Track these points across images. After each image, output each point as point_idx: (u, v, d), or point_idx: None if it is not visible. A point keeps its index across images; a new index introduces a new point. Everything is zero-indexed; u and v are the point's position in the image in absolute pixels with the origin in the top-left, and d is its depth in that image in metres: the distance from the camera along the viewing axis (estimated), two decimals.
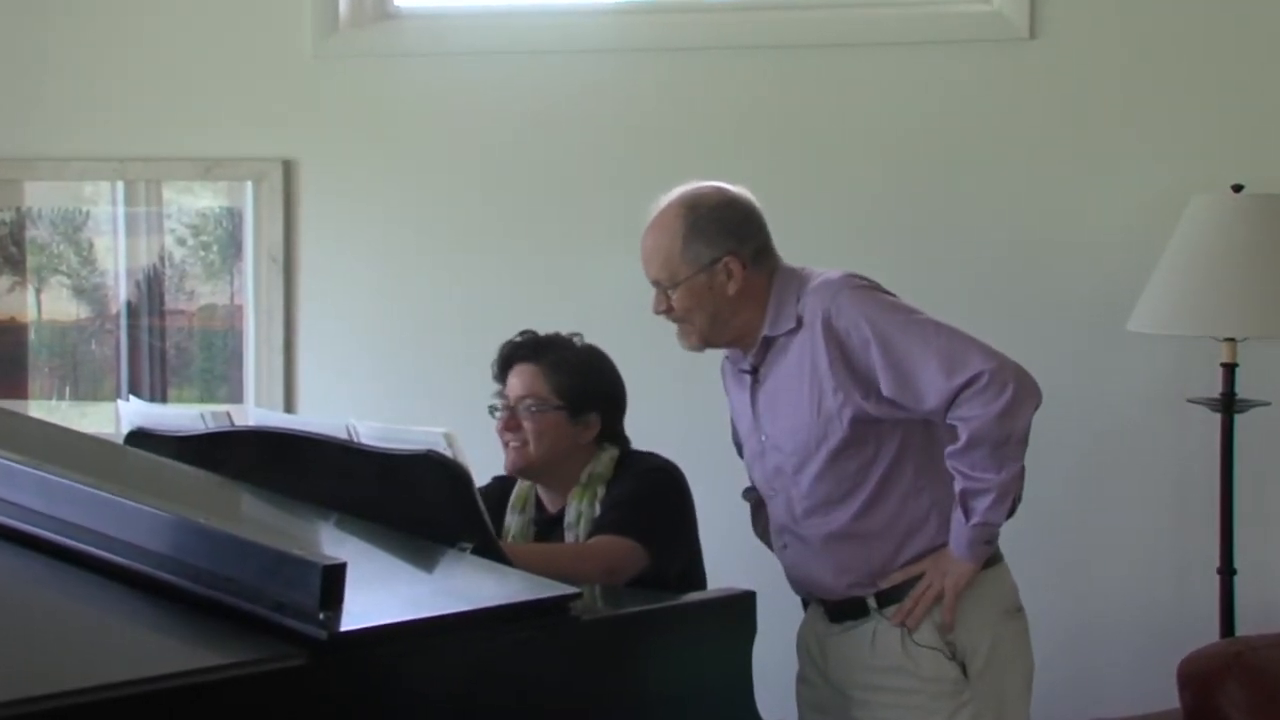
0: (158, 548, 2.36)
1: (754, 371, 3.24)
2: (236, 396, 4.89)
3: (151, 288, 4.94)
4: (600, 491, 3.40)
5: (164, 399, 4.94)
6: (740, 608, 2.88)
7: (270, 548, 2.26)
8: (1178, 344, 4.24)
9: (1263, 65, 4.33)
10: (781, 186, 4.32)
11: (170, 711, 2.01)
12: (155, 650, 2.22)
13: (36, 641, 2.23)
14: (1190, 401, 4.16)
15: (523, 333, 3.53)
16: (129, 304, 4.96)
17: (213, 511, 2.60)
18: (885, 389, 3.06)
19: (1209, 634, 4.04)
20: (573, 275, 4.64)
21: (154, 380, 4.95)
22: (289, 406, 4.83)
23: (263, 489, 2.99)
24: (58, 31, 4.94)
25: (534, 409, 3.40)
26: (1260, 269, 3.96)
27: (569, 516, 3.39)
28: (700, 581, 3.39)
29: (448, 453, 2.85)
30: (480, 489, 3.00)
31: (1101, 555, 4.43)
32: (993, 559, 3.18)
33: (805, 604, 3.36)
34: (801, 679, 3.36)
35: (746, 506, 3.46)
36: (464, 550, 2.79)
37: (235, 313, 4.90)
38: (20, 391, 5.02)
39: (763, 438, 3.24)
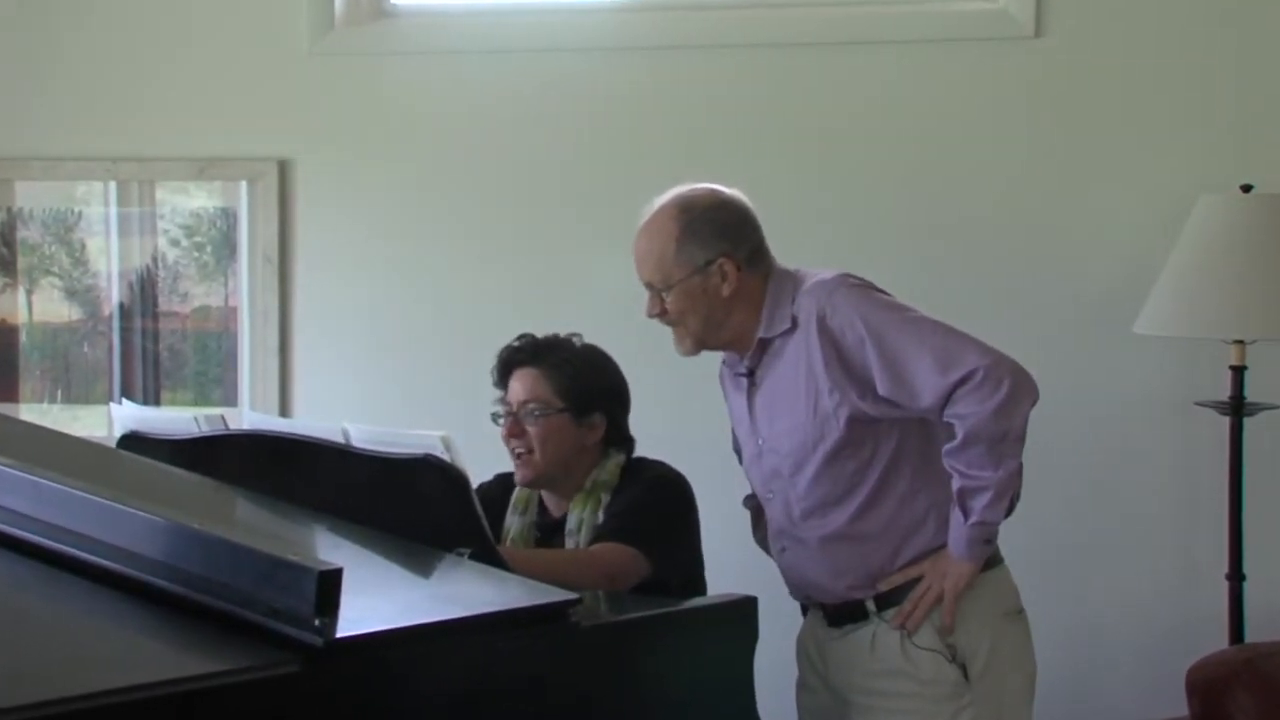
0: (151, 553, 2.34)
1: (750, 374, 3.23)
2: (231, 399, 4.88)
3: (145, 289, 4.92)
4: (604, 498, 3.38)
5: (157, 402, 4.93)
6: (742, 613, 2.87)
7: (265, 553, 2.24)
8: (1185, 346, 4.22)
9: (1271, 63, 4.32)
10: (784, 186, 4.34)
11: (164, 719, 1.99)
12: (148, 657, 2.21)
13: (27, 648, 2.20)
14: (1198, 405, 4.14)
15: (521, 336, 3.50)
16: (122, 306, 4.94)
17: (207, 516, 2.59)
18: (881, 387, 3.05)
19: (1218, 640, 4.03)
20: (571, 275, 4.63)
21: (147, 383, 4.94)
22: (284, 410, 4.81)
23: (257, 493, 2.97)
24: (49, 30, 4.92)
25: (537, 413, 3.37)
26: (1269, 270, 3.94)
27: (570, 523, 3.37)
28: (701, 593, 3.36)
29: (445, 456, 2.83)
30: (482, 486, 2.98)
31: (1108, 560, 4.42)
32: (993, 560, 3.17)
33: (804, 610, 3.35)
34: (802, 685, 3.35)
35: (746, 511, 3.44)
36: (461, 555, 2.77)
37: (229, 314, 4.89)
38: (11, 395, 5.01)
39: (760, 440, 3.24)
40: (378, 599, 2.42)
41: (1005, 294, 4.41)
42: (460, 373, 4.56)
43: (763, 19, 4.58)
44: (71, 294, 4.97)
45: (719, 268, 3.13)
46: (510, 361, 3.45)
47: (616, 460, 3.43)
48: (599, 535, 3.29)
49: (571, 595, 2.47)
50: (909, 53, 4.49)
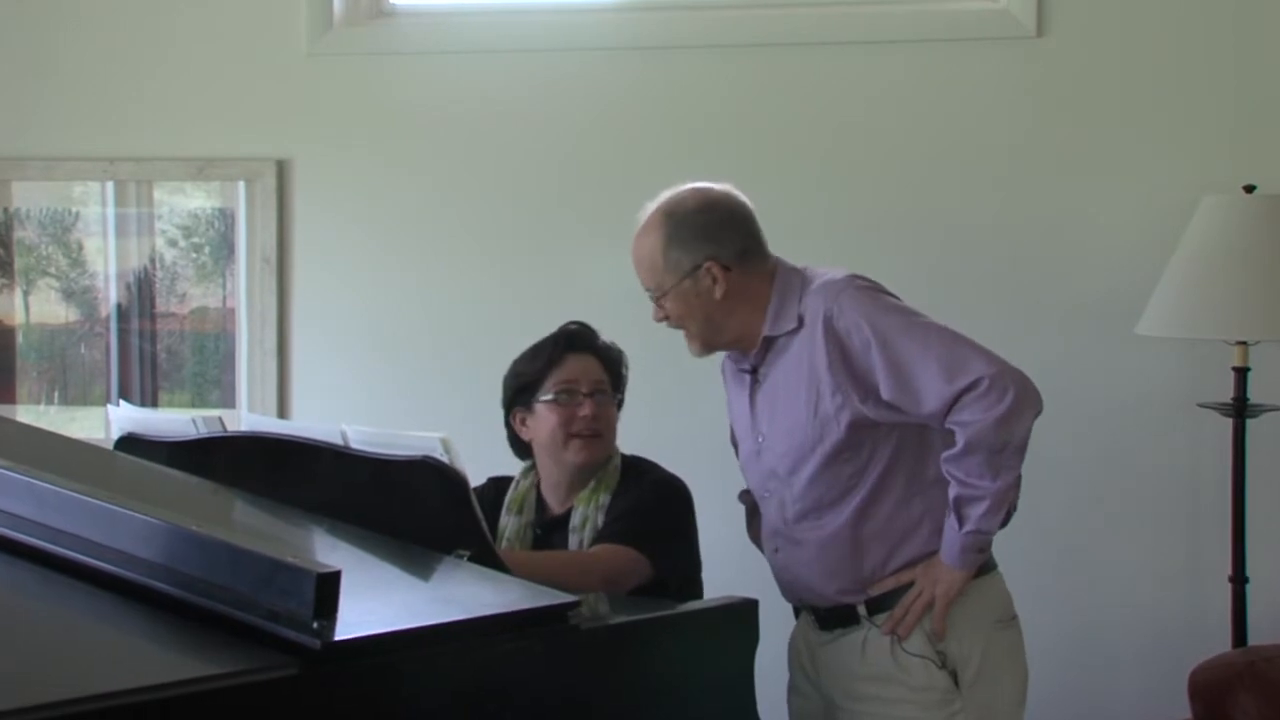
0: (149, 555, 2.34)
1: (754, 371, 3.22)
2: (229, 401, 4.87)
3: (142, 290, 4.91)
4: (604, 498, 3.36)
5: (155, 403, 4.92)
6: (743, 616, 2.85)
7: (264, 555, 2.23)
8: (1188, 348, 4.21)
9: (1274, 64, 4.32)
10: (785, 186, 4.34)
11: None
12: (146, 660, 2.20)
13: (25, 651, 2.20)
14: (1201, 406, 4.13)
15: (573, 322, 3.49)
16: (119, 306, 4.93)
17: (205, 518, 2.58)
18: (885, 392, 3.03)
19: (1220, 643, 4.02)
20: (569, 276, 4.62)
21: (144, 384, 4.93)
22: (282, 411, 4.81)
23: (255, 495, 2.96)
24: (47, 30, 4.92)
25: (606, 397, 3.40)
26: (1273, 271, 3.94)
27: (575, 520, 3.36)
28: (698, 596, 3.34)
29: (444, 458, 2.82)
30: (476, 489, 2.96)
31: (1111, 563, 4.41)
32: (985, 567, 3.15)
33: (796, 613, 3.33)
34: (793, 689, 3.34)
35: (741, 511, 3.43)
36: (461, 557, 2.75)
37: (227, 315, 4.88)
38: (8, 396, 5.00)
39: (759, 438, 3.22)
40: (376, 601, 2.41)
41: (1007, 295, 4.40)
42: (459, 374, 4.57)
43: (763, 19, 4.57)
44: (69, 295, 4.96)
45: (706, 271, 3.12)
46: (573, 341, 3.44)
47: (615, 460, 3.43)
48: (601, 537, 3.28)
49: (571, 598, 2.46)
50: (910, 52, 4.48)
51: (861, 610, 3.15)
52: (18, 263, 4.97)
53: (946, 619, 3.08)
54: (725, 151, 4.48)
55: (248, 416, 3.87)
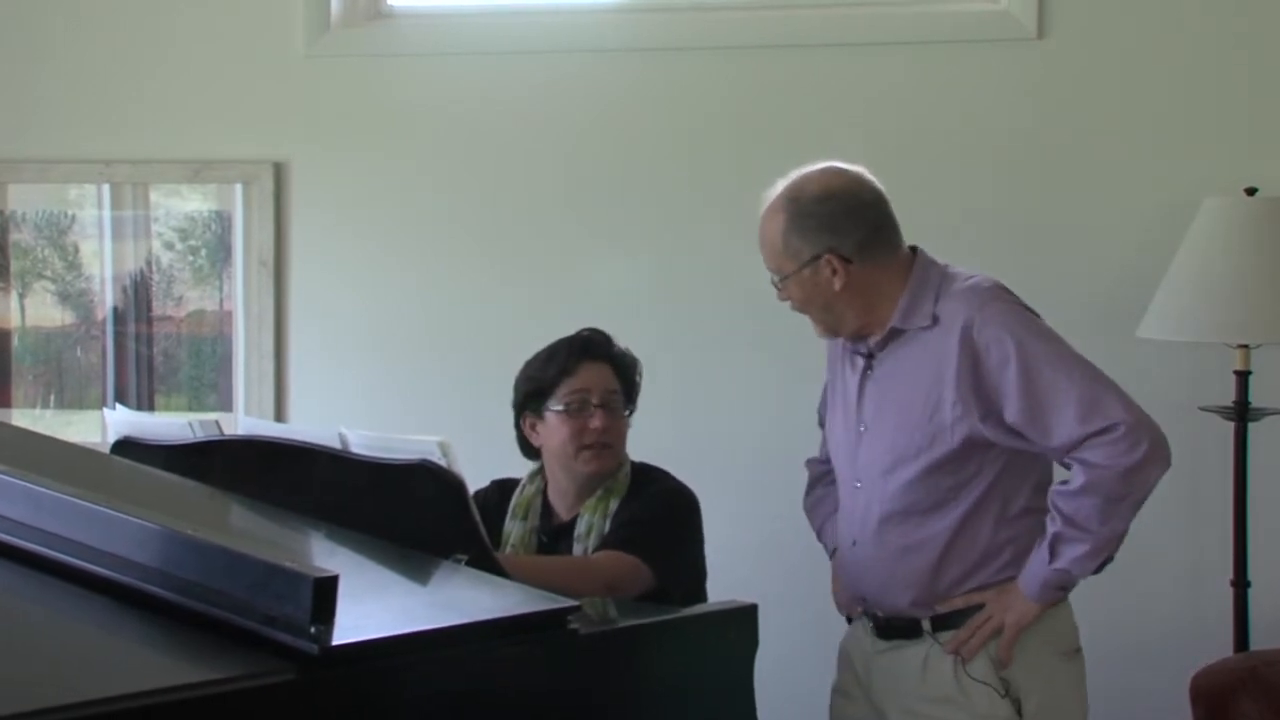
0: (145, 560, 2.33)
1: (869, 357, 3.14)
2: (225, 404, 4.86)
3: (138, 293, 4.90)
4: (613, 505, 3.34)
5: (151, 407, 4.91)
6: (742, 621, 2.82)
7: (260, 560, 2.22)
8: (1189, 351, 4.20)
9: (1277, 65, 4.31)
10: None
11: None
12: (142, 665, 2.19)
13: (20, 656, 2.19)
14: (1202, 410, 4.11)
15: (589, 329, 3.46)
16: (115, 310, 4.92)
17: (201, 523, 2.58)
18: (1010, 415, 2.96)
19: (1222, 648, 4.02)
20: (568, 278, 4.61)
21: (141, 388, 4.92)
22: (279, 415, 4.79)
23: (252, 499, 2.94)
24: (42, 32, 4.91)
25: (616, 409, 3.37)
26: (1274, 274, 3.94)
27: (580, 527, 3.34)
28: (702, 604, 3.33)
29: (442, 462, 2.81)
30: (479, 492, 2.95)
31: (1111, 566, 4.36)
32: None
33: (849, 619, 3.29)
34: (839, 691, 3.30)
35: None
36: (459, 562, 2.74)
37: (224, 318, 4.87)
38: (4, 400, 4.99)
39: (862, 428, 3.15)
40: (374, 606, 2.40)
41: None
42: (458, 376, 4.55)
43: (763, 21, 4.57)
44: (65, 298, 4.95)
45: (826, 262, 3.05)
46: (587, 348, 3.40)
47: (625, 468, 3.41)
48: (604, 544, 3.27)
49: (570, 602, 2.45)
50: (911, 54, 4.48)
51: (926, 625, 3.10)
52: (13, 265, 4.96)
53: (1014, 648, 3.04)
54: (725, 153, 4.48)
55: (245, 420, 3.87)
